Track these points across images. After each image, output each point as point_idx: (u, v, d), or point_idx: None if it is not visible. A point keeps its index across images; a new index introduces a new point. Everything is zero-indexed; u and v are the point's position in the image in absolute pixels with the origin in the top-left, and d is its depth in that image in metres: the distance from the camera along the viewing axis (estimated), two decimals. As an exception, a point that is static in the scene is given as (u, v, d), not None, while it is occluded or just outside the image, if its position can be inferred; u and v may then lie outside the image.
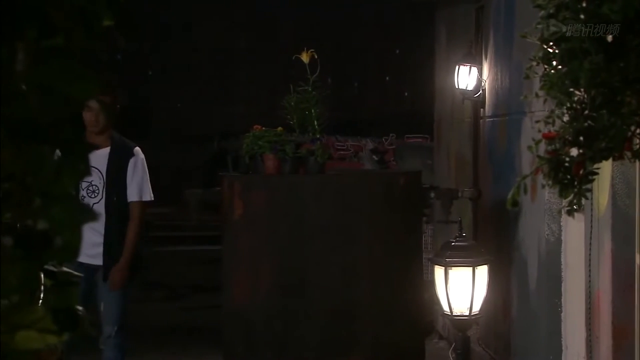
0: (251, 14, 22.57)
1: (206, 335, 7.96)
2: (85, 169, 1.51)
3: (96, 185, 5.81)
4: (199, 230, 16.28)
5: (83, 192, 5.75)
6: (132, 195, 5.94)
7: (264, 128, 5.80)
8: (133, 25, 1.53)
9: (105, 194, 5.82)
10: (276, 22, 22.46)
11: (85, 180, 5.29)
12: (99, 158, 5.77)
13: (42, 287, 1.51)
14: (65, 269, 1.55)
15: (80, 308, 1.62)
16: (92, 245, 5.71)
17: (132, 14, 1.53)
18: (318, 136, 5.84)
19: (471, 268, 5.15)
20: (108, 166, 5.84)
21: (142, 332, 8.86)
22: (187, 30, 22.60)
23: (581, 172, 2.25)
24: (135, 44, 18.33)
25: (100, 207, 5.73)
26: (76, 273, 1.65)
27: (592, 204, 4.41)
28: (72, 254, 1.50)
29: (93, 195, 5.80)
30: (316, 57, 5.72)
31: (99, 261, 5.82)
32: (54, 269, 1.57)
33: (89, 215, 1.52)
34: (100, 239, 5.79)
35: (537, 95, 2.37)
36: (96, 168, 5.78)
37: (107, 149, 5.84)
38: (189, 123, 22.37)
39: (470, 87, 7.13)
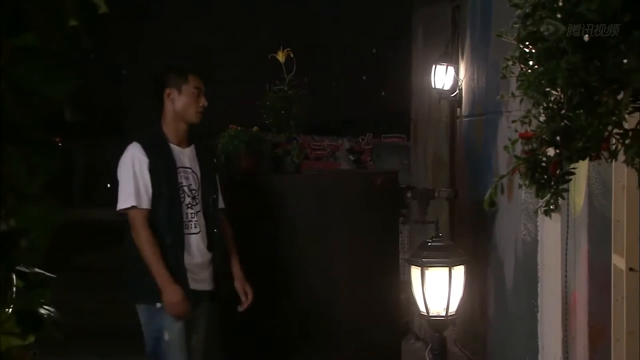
0: (229, 12, 22.53)
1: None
2: (54, 169, 1.49)
3: (195, 190, 4.83)
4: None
5: (189, 199, 4.79)
6: (221, 202, 5.05)
7: (239, 128, 5.78)
8: (100, 25, 1.51)
9: (203, 200, 4.87)
10: (254, 21, 22.43)
11: (183, 184, 4.76)
12: (186, 157, 4.86)
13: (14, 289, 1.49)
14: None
15: (48, 309, 1.60)
16: (200, 268, 4.84)
17: (100, 14, 1.51)
18: (294, 136, 5.83)
19: (448, 268, 5.14)
20: (201, 168, 4.90)
21: (117, 333, 8.82)
22: (167, 30, 22.54)
23: (558, 172, 2.24)
24: (112, 44, 18.26)
25: (200, 216, 4.84)
26: (51, 275, 1.63)
27: (568, 204, 4.41)
28: (38, 256, 1.48)
29: (194, 203, 4.82)
30: (292, 56, 5.70)
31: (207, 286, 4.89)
32: (26, 270, 1.55)
33: (62, 215, 1.50)
34: (208, 257, 4.87)
35: (513, 95, 2.36)
36: (190, 169, 4.87)
37: (192, 147, 4.89)
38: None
39: (447, 87, 7.13)
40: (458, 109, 7.17)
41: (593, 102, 2.14)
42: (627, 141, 2.20)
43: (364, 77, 23.52)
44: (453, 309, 5.20)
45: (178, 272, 4.67)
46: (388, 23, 18.53)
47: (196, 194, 4.81)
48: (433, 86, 7.27)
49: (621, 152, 2.23)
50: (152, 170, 4.68)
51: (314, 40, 20.74)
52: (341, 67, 23.20)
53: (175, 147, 4.80)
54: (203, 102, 4.83)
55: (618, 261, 3.39)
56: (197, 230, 4.79)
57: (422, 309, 5.21)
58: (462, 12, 7.14)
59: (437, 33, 7.85)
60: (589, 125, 2.13)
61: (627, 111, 2.19)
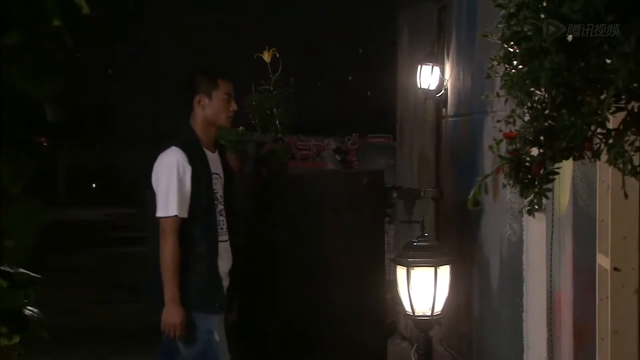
0: (213, 13, 22.51)
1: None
2: (38, 169, 1.49)
3: (222, 196, 4.74)
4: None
5: (220, 207, 4.72)
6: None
7: (225, 127, 5.77)
8: (83, 25, 1.50)
9: (226, 208, 4.78)
10: (238, 22, 22.41)
11: (216, 191, 4.67)
12: (216, 163, 4.77)
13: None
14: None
15: (32, 309, 1.60)
16: (227, 274, 4.79)
17: (83, 14, 1.50)
18: (280, 136, 5.82)
19: (433, 268, 5.14)
20: (225, 174, 4.82)
21: (103, 333, 8.81)
22: (151, 30, 22.51)
23: (542, 171, 2.24)
24: (96, 44, 18.22)
25: (225, 223, 4.76)
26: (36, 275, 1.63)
27: (553, 204, 4.42)
28: (24, 256, 1.48)
29: (223, 209, 4.75)
30: (278, 56, 5.70)
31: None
32: (10, 270, 1.55)
33: (47, 215, 1.50)
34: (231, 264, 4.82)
35: (498, 95, 2.36)
36: (218, 174, 4.77)
37: (217, 152, 4.81)
38: (151, 122, 22.27)
39: (433, 87, 7.14)
40: (444, 109, 7.18)
41: (576, 102, 2.15)
42: (610, 141, 2.21)
43: (350, 77, 23.56)
44: (439, 308, 5.21)
45: (215, 280, 4.62)
46: (374, 23, 18.56)
47: (222, 200, 4.75)
48: (419, 86, 7.27)
49: (604, 152, 2.24)
50: (194, 178, 4.58)
51: (300, 40, 20.75)
52: (327, 67, 23.22)
53: (208, 152, 4.71)
54: (234, 106, 4.75)
55: (603, 261, 3.40)
56: (226, 237, 4.73)
57: (408, 308, 5.22)
58: (447, 12, 7.15)
59: (422, 33, 7.85)
60: (572, 125, 2.14)
61: (610, 111, 2.20)
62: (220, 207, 4.70)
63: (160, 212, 4.56)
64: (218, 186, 4.71)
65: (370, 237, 5.94)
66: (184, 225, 4.55)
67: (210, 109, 4.71)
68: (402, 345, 7.76)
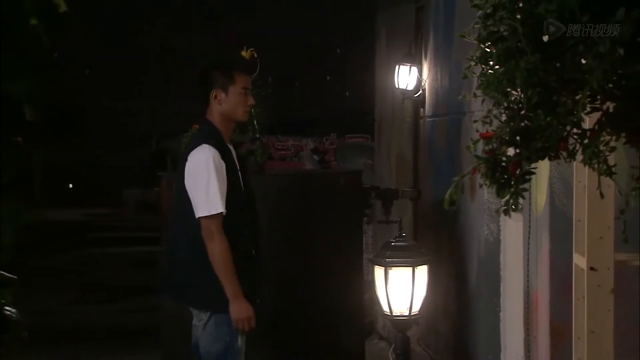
0: (190, 12, 22.47)
1: (146, 337, 7.88)
2: (17, 169, 1.48)
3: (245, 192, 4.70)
4: (138, 231, 16.15)
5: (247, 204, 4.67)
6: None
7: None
8: (61, 24, 1.50)
9: (250, 206, 4.72)
10: (216, 21, 22.38)
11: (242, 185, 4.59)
12: (234, 157, 4.69)
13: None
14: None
15: (10, 310, 1.60)
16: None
17: (61, 13, 1.50)
18: (258, 136, 5.81)
19: (411, 268, 5.15)
20: (241, 168, 4.73)
21: (80, 334, 8.78)
22: (127, 29, 22.45)
23: (518, 171, 2.25)
24: (73, 44, 18.14)
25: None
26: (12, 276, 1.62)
27: (530, 204, 4.44)
28: (6, 256, 1.47)
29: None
30: (256, 56, 5.69)
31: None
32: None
33: (30, 214, 1.50)
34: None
35: (475, 95, 2.37)
36: (239, 168, 4.70)
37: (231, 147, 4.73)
38: (129, 123, 22.22)
39: (411, 87, 7.15)
40: (421, 109, 7.19)
41: (552, 102, 2.16)
42: (585, 141, 2.22)
43: (328, 78, 23.57)
44: (416, 308, 5.22)
45: (257, 277, 4.58)
46: (352, 23, 18.56)
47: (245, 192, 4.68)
48: (397, 86, 7.28)
49: (580, 152, 2.25)
50: (228, 173, 4.48)
51: (278, 41, 20.74)
52: (305, 67, 23.22)
53: (229, 147, 4.63)
54: (251, 101, 4.64)
55: (579, 260, 3.41)
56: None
57: (386, 308, 5.23)
58: (425, 12, 7.16)
59: (400, 33, 7.87)
60: (548, 125, 2.14)
61: (585, 111, 2.21)
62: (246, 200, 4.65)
63: (202, 212, 4.41)
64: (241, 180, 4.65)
65: (348, 237, 5.95)
66: (228, 224, 4.43)
67: (226, 104, 4.58)
68: (380, 345, 7.77)
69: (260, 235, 4.73)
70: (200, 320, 4.55)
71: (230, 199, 4.45)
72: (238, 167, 4.63)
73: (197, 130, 4.75)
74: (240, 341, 4.53)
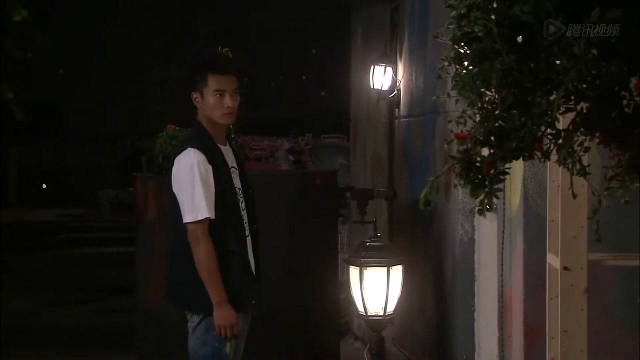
0: (166, 12, 22.41)
1: (121, 337, 7.86)
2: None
3: (240, 189, 4.56)
4: (113, 231, 16.07)
5: (241, 200, 4.53)
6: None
7: (177, 127, 5.73)
8: (50, 23, 1.48)
9: (247, 206, 4.59)
10: (192, 21, 22.33)
11: (235, 185, 4.48)
12: (230, 156, 4.57)
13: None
14: None
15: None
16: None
17: (49, 11, 1.48)
18: (233, 136, 5.80)
19: (386, 268, 5.16)
20: (240, 168, 4.62)
21: (55, 335, 8.74)
22: (102, 29, 22.36)
23: (492, 171, 2.26)
24: (50, 42, 18.06)
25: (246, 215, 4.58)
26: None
27: (504, 204, 4.46)
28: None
29: (243, 202, 4.56)
30: (231, 56, 5.67)
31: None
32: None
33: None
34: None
35: (449, 95, 2.38)
36: (234, 167, 4.57)
37: (228, 145, 4.60)
38: (103, 122, 22.13)
39: (386, 87, 7.16)
40: (396, 110, 7.20)
41: (526, 102, 2.17)
42: (559, 141, 2.23)
43: (304, 78, 23.56)
44: (391, 308, 5.22)
45: (248, 279, 4.50)
46: (327, 23, 18.58)
47: (242, 193, 4.56)
48: (372, 86, 7.29)
49: (554, 152, 2.26)
50: (216, 176, 4.38)
51: (253, 40, 20.71)
52: (281, 67, 23.20)
53: (221, 147, 4.51)
54: (227, 103, 4.45)
55: (553, 260, 3.43)
56: (248, 232, 4.57)
57: (361, 308, 5.23)
58: (400, 12, 7.17)
59: (376, 33, 7.87)
60: (522, 125, 2.15)
61: (560, 112, 2.22)
62: (242, 201, 4.54)
63: (187, 218, 4.35)
64: (237, 180, 4.54)
65: (323, 238, 5.95)
66: (211, 226, 4.37)
67: (204, 107, 4.47)
68: (356, 345, 7.77)
69: (258, 234, 4.65)
70: (192, 322, 4.51)
71: (220, 201, 4.39)
72: (234, 167, 4.55)
73: (188, 132, 4.68)
74: (228, 347, 4.50)
